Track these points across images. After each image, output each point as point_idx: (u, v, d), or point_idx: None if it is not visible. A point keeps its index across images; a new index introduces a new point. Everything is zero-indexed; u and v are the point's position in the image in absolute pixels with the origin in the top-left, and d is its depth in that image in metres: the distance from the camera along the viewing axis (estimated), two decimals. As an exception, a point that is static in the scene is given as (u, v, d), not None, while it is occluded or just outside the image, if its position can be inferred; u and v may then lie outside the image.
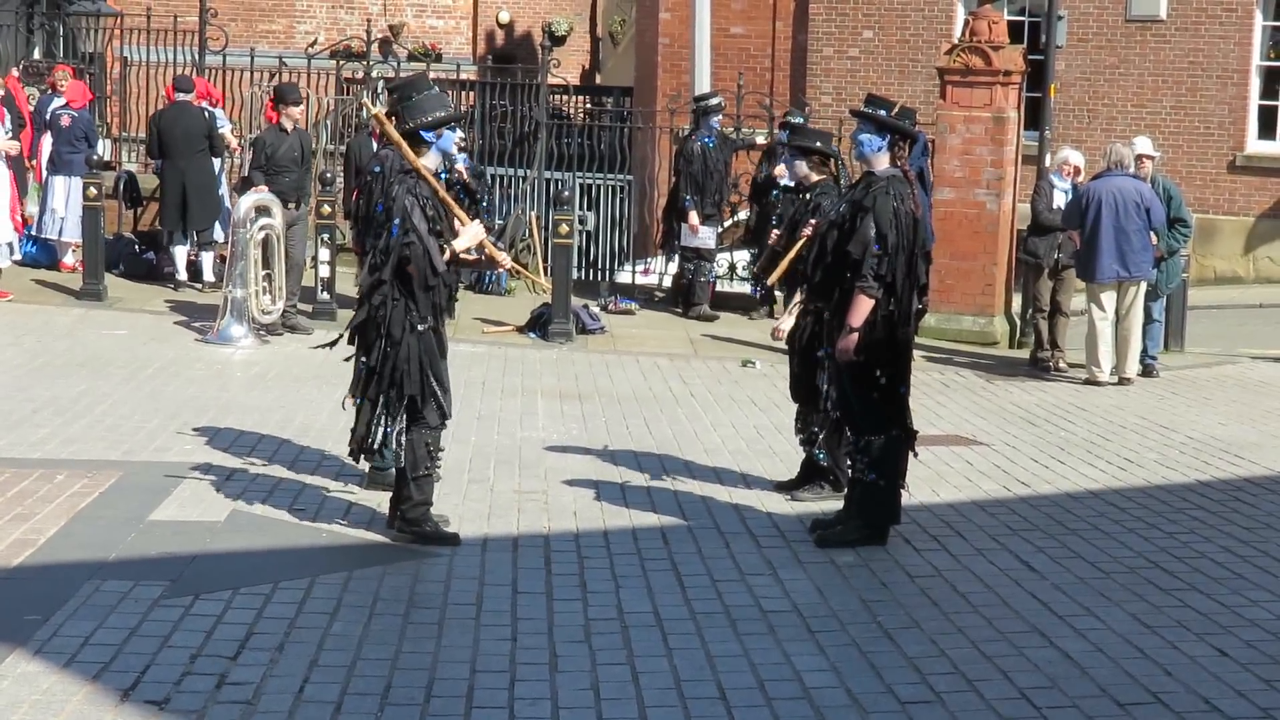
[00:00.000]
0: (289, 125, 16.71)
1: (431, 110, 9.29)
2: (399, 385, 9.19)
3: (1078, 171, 16.73)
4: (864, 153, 9.70)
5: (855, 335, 9.42)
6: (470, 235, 9.32)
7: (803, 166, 11.11)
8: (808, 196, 10.97)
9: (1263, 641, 8.00)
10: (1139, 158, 15.87)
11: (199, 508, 9.83)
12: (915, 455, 9.86)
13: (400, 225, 9.01)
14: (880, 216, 9.39)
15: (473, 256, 9.53)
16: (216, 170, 19.06)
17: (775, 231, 11.67)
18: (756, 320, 18.72)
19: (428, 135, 9.22)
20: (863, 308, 9.42)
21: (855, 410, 9.69)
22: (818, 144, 11.22)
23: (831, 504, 10.26)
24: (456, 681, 7.16)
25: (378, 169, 9.81)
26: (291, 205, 16.47)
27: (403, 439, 9.24)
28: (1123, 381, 15.66)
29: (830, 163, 11.16)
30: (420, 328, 9.17)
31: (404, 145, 9.14)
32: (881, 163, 9.63)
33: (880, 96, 10.05)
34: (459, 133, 9.49)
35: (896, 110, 9.69)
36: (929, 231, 9.77)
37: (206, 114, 18.96)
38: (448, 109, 9.47)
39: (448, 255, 9.18)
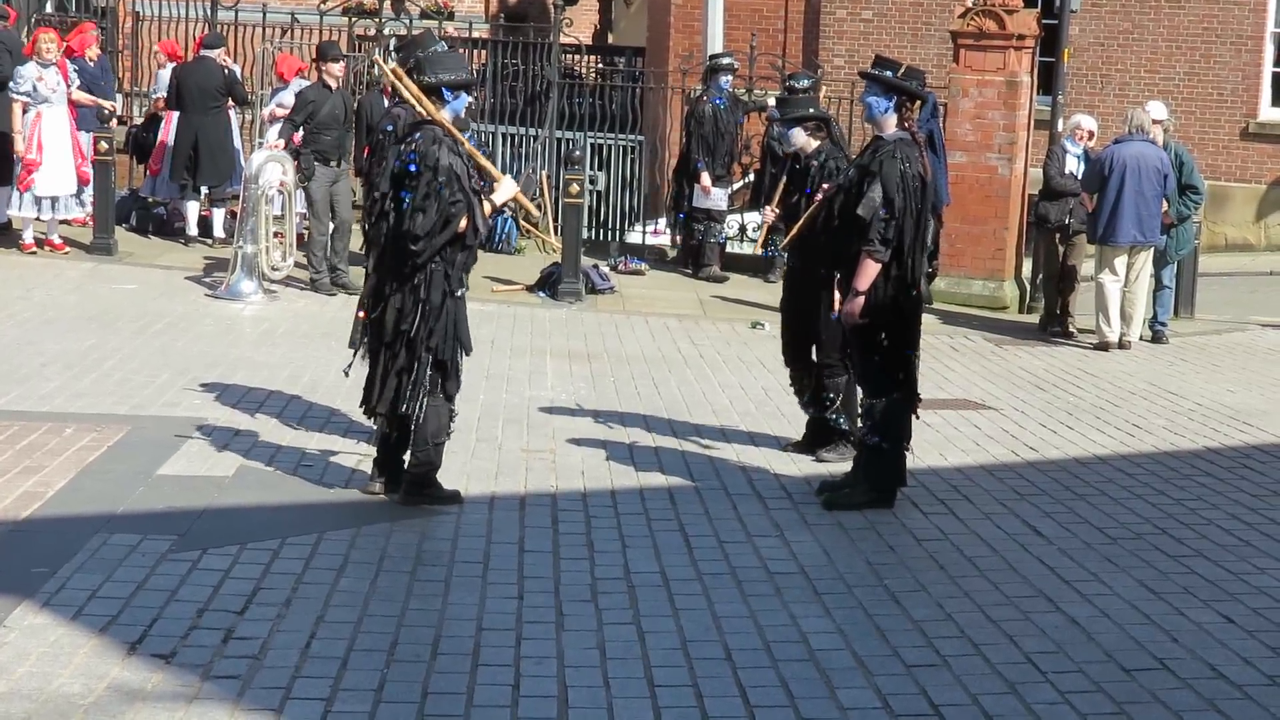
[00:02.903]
0: (331, 83, 16.63)
1: (454, 69, 9.19)
2: (435, 351, 9.08)
3: (1091, 136, 16.71)
4: (872, 115, 9.66)
5: (860, 299, 9.41)
6: (508, 188, 9.25)
7: (800, 135, 11.00)
8: (814, 164, 10.91)
9: (1269, 609, 8.01)
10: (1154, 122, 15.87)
11: (207, 463, 9.84)
12: (918, 418, 9.86)
13: (446, 183, 8.83)
14: (887, 180, 9.36)
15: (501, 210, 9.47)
16: (234, 127, 19.02)
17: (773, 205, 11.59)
18: (771, 285, 18.73)
19: (447, 94, 9.09)
20: (869, 271, 9.40)
21: (859, 373, 9.74)
22: (810, 110, 11.16)
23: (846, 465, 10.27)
24: (462, 639, 7.17)
25: (390, 127, 9.83)
26: (334, 163, 16.43)
27: (425, 403, 9.14)
28: (1123, 345, 15.70)
29: (826, 127, 11.10)
30: (458, 293, 9.09)
31: (424, 99, 9.03)
32: (889, 125, 9.59)
33: (887, 58, 10.02)
34: (468, 98, 9.41)
35: (903, 71, 9.66)
36: (944, 194, 9.75)
37: (226, 71, 18.91)
38: (468, 71, 9.39)
39: (488, 210, 9.13)
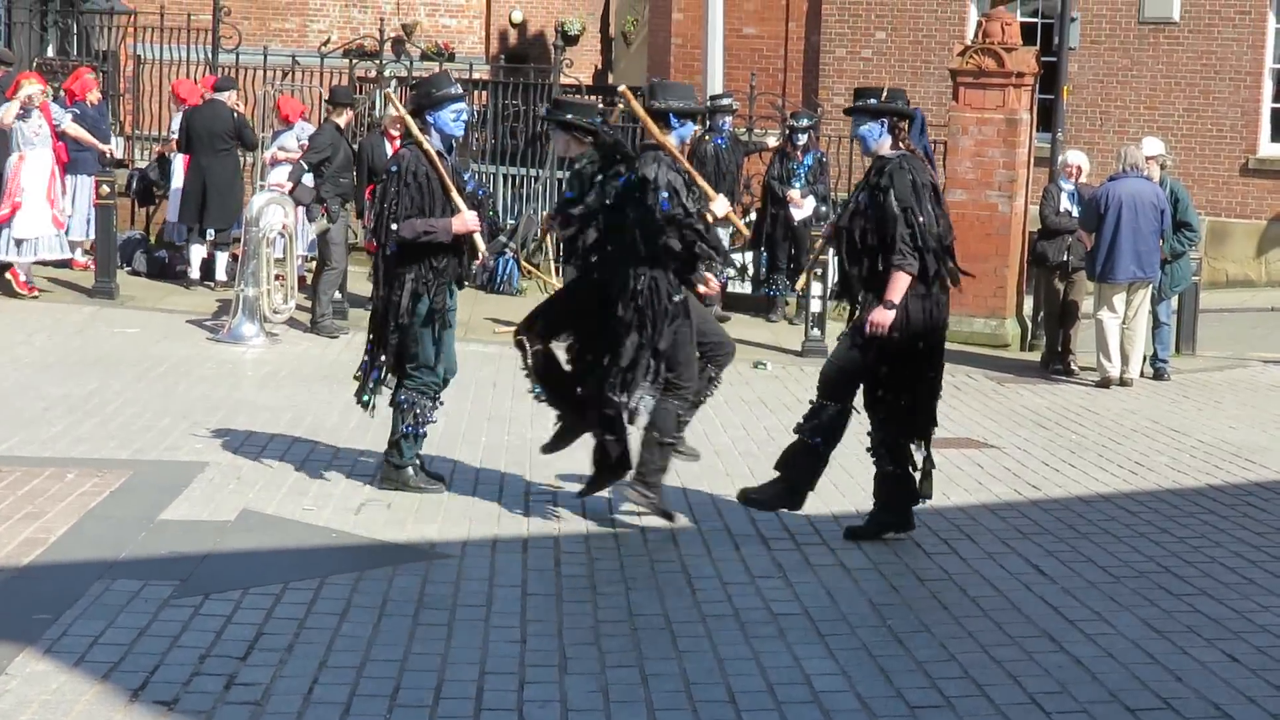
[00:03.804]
0: (341, 125, 16.73)
1: (685, 98, 9.84)
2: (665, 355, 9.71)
3: (1080, 171, 16.77)
4: (868, 146, 9.71)
5: (892, 312, 9.38)
6: (721, 204, 9.72)
7: (561, 141, 10.59)
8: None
9: (1273, 647, 7.98)
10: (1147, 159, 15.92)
11: (209, 507, 9.84)
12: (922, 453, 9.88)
13: (669, 197, 9.44)
14: (900, 191, 9.39)
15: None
16: (241, 169, 19.11)
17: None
18: (772, 324, 18.79)
19: (674, 120, 9.70)
20: (900, 283, 9.38)
21: (836, 369, 9.73)
22: (569, 116, 10.45)
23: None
24: (465, 683, 7.15)
25: (395, 168, 10.02)
26: (351, 205, 16.57)
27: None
28: (1125, 382, 15.71)
29: (598, 135, 10.43)
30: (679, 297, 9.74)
31: (652, 123, 9.69)
32: (886, 148, 9.63)
33: (866, 87, 10.09)
34: (694, 126, 10.13)
35: (885, 94, 9.73)
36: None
37: (236, 114, 18.98)
38: (697, 102, 10.18)
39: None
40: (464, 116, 10.28)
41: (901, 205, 9.38)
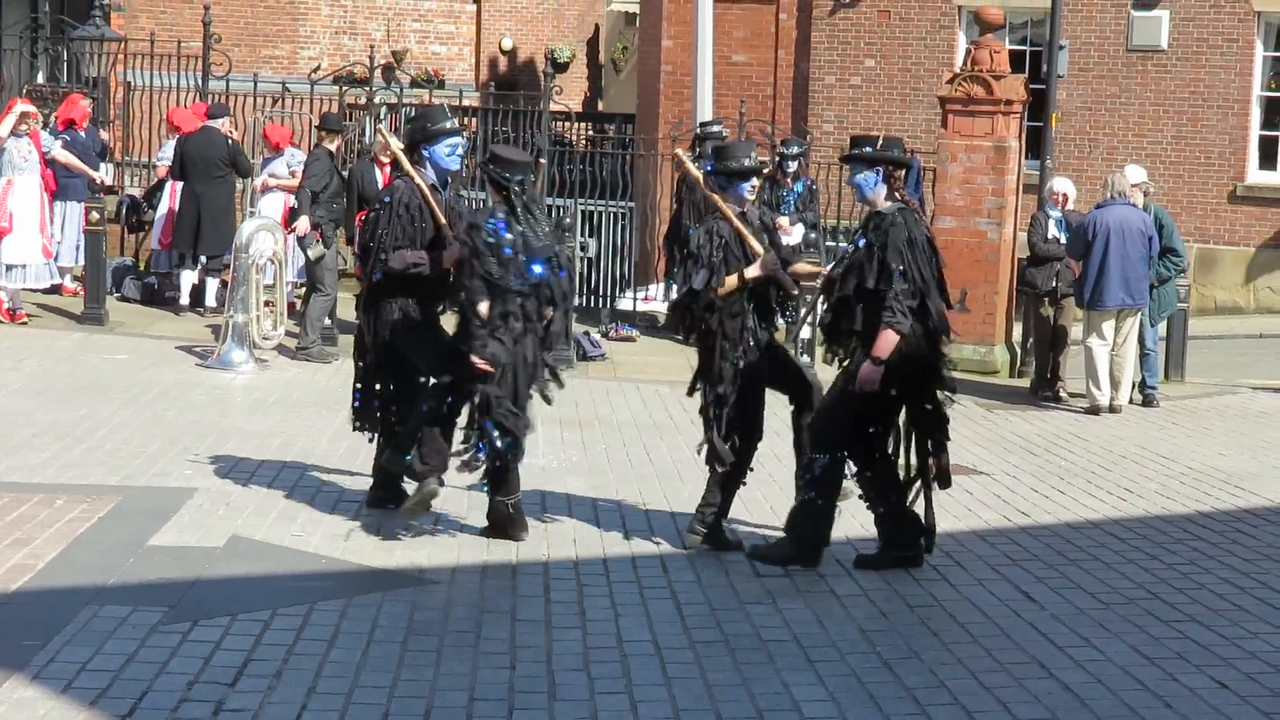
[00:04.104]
0: (333, 151, 16.80)
1: (739, 157, 10.10)
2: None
3: (1067, 199, 16.83)
4: (864, 194, 9.78)
5: (880, 369, 9.41)
6: (755, 268, 9.87)
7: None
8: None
9: (1263, 674, 7.99)
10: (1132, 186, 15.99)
11: (198, 533, 9.82)
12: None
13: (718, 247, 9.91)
14: (896, 249, 9.40)
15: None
16: (235, 195, 19.11)
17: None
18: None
19: (725, 181, 10.06)
20: (888, 341, 9.40)
21: (824, 419, 9.73)
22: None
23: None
24: (455, 710, 7.15)
25: (388, 198, 10.08)
26: (341, 231, 16.63)
27: None
28: (1114, 409, 15.72)
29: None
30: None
31: (702, 180, 10.31)
32: (881, 199, 9.67)
33: (861, 135, 10.19)
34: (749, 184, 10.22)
35: (881, 142, 9.79)
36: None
37: (230, 141, 19.00)
38: (754, 161, 10.26)
39: (734, 282, 9.88)
40: (460, 150, 10.31)
41: (896, 264, 9.41)
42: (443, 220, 10.01)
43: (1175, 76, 25.65)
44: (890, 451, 9.75)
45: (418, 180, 10.02)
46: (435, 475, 9.85)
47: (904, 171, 9.79)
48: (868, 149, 9.73)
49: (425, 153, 10.14)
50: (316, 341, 16.31)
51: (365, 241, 10.24)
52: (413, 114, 10.44)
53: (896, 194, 9.65)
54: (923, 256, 9.50)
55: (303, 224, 16.32)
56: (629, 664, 7.87)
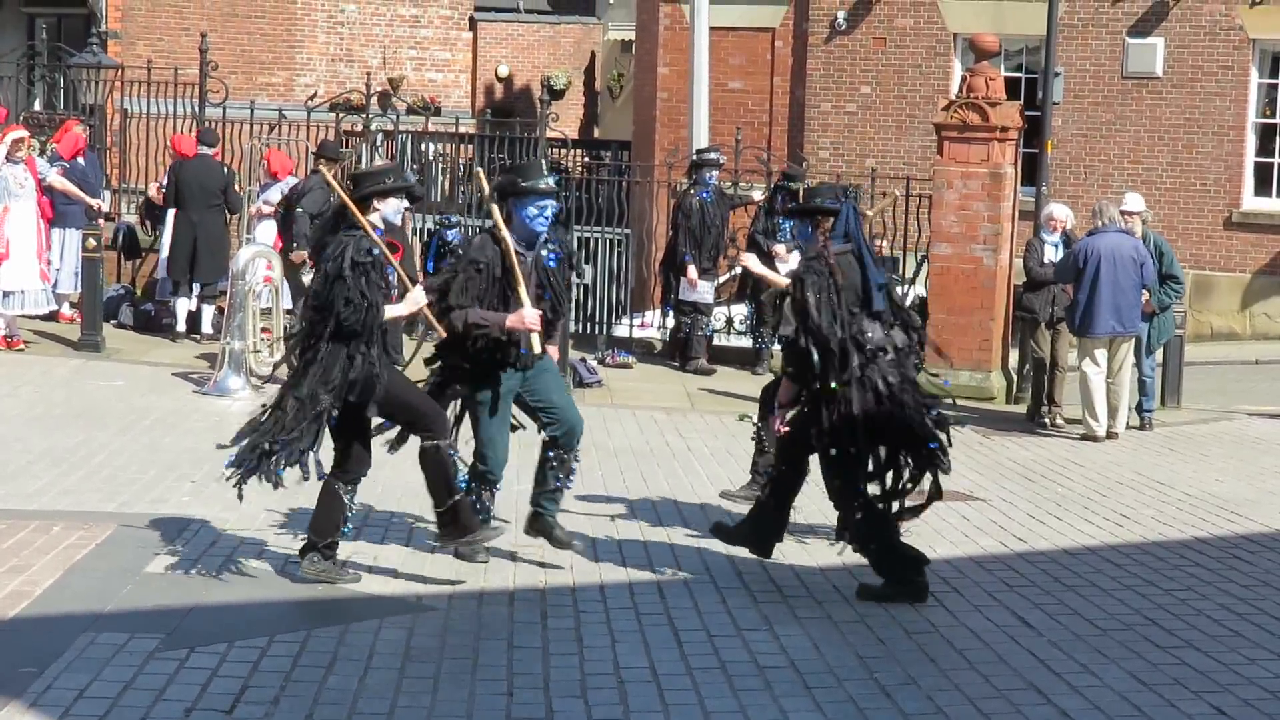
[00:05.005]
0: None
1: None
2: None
3: (1062, 225, 16.84)
4: (803, 245, 10.23)
5: (784, 412, 9.94)
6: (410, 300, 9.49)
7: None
8: None
9: (1260, 700, 7.99)
10: (1124, 213, 16.00)
11: (194, 560, 9.81)
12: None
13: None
14: (791, 305, 9.74)
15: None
16: (229, 224, 19.13)
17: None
18: (759, 376, 18.79)
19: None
20: (784, 390, 9.98)
21: (833, 490, 9.90)
22: None
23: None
24: (452, 736, 7.14)
25: (460, 252, 10.11)
26: None
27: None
28: (1110, 436, 15.71)
29: None
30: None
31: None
32: (814, 246, 9.92)
33: (811, 187, 10.40)
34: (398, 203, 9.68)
35: (802, 192, 10.06)
36: (876, 301, 9.68)
37: (225, 170, 19.02)
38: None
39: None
40: (549, 212, 9.68)
41: (784, 329, 9.87)
42: (520, 279, 9.50)
43: (1170, 103, 25.73)
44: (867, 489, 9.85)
45: (501, 234, 9.52)
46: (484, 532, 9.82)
47: (832, 221, 9.88)
48: (792, 204, 10.10)
49: (513, 207, 9.65)
50: None
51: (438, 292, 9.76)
52: (507, 164, 10.12)
53: (821, 240, 9.82)
54: (826, 305, 9.51)
55: (299, 253, 16.32)
56: (626, 691, 7.86)
